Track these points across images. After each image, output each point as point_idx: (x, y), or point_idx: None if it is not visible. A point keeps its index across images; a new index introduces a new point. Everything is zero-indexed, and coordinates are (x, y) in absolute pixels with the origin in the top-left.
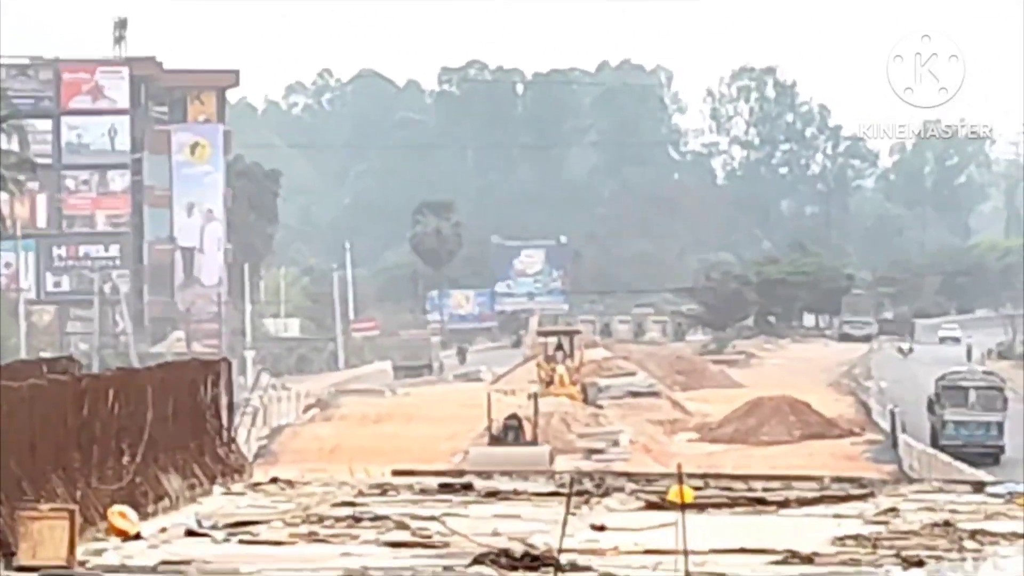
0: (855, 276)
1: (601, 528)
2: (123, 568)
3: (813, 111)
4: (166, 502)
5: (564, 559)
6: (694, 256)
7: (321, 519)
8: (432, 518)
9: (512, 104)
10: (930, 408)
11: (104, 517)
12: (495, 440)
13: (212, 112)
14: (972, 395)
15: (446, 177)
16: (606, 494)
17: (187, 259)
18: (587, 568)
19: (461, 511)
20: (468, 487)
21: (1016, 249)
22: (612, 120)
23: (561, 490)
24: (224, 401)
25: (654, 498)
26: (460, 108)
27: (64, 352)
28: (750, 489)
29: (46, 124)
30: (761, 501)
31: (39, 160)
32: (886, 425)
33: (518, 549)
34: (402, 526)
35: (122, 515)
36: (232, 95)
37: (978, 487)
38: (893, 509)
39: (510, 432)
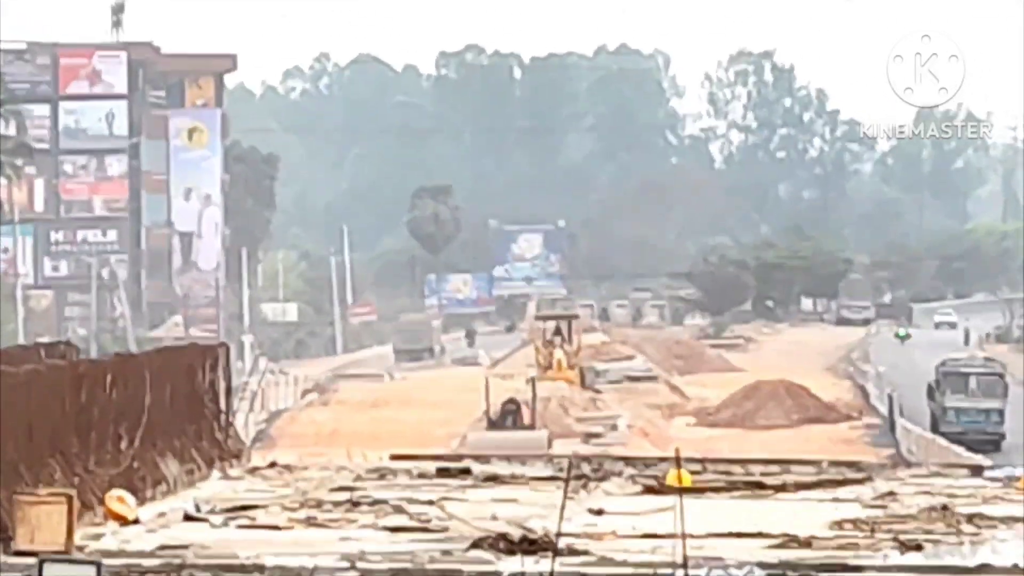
0: (853, 260)
1: (599, 512)
2: (121, 553)
3: (811, 95)
4: (164, 487)
5: (562, 543)
6: (692, 240)
7: (319, 504)
8: (430, 502)
9: (509, 89)
10: (930, 395)
11: (102, 502)
12: (493, 424)
13: (210, 97)
14: (972, 382)
15: (444, 162)
16: (604, 478)
17: (185, 244)
18: (585, 552)
19: (459, 495)
20: (466, 471)
21: (1013, 233)
22: (609, 104)
23: (559, 474)
24: (222, 386)
25: (652, 482)
26: (458, 93)
27: (62, 337)
28: (748, 473)
29: (44, 109)
30: (759, 485)
31: (37, 145)
32: (884, 409)
33: (516, 533)
34: (400, 510)
35: (120, 500)
36: (230, 80)
37: (976, 471)
38: (891, 493)
39: (508, 416)
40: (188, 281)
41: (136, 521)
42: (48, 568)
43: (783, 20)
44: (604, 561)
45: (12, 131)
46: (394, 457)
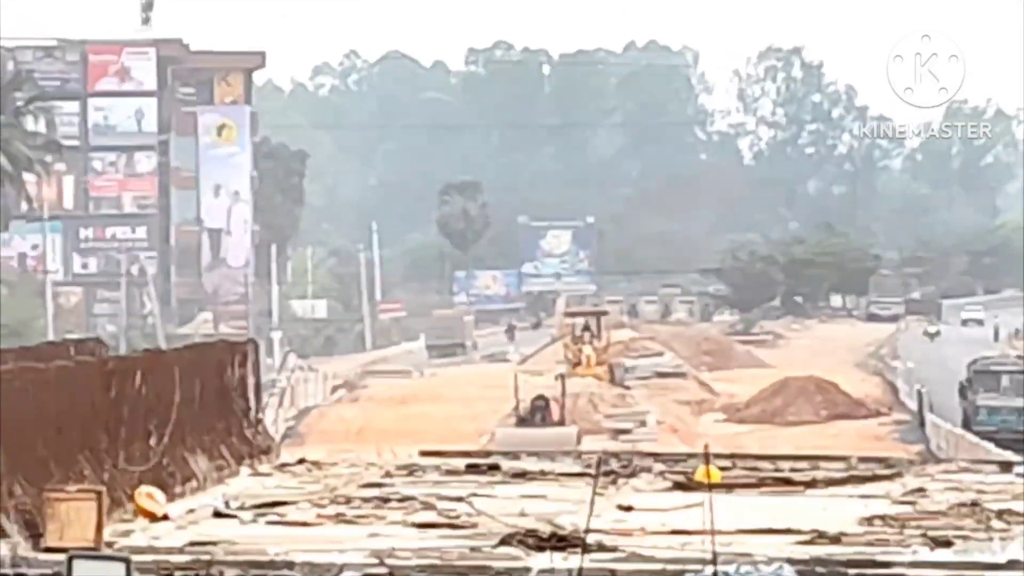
0: (882, 256)
1: (628, 508)
2: (150, 549)
3: (840, 91)
4: (193, 483)
5: (591, 539)
6: (721, 236)
7: (348, 500)
8: (459, 499)
9: (538, 85)
10: (962, 393)
11: (131, 498)
12: (522, 421)
13: (239, 93)
14: (1005, 380)
15: (472, 158)
16: (633, 474)
17: (214, 240)
18: (614, 548)
19: (488, 492)
20: (495, 468)
21: None
22: (638, 101)
23: (588, 471)
24: (251, 382)
25: (681, 478)
26: (486, 89)
27: (91, 334)
28: (777, 469)
29: (73, 106)
30: (788, 481)
31: (66, 142)
32: (913, 405)
33: (545, 530)
34: (429, 507)
35: (149, 496)
36: (259, 76)
37: (1006, 467)
38: (920, 489)
39: (537, 413)
40: (217, 278)
41: (165, 518)
42: (78, 564)
43: (812, 16)
44: (633, 557)
45: (42, 128)
46: (423, 453)
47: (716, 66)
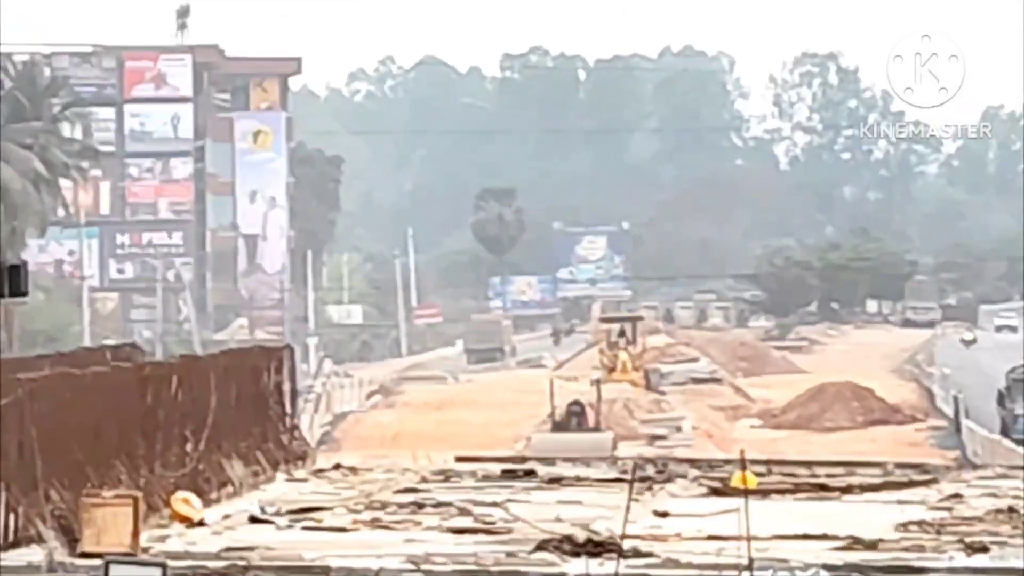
0: (918, 262)
1: (664, 514)
2: (187, 555)
3: (876, 97)
4: (229, 488)
5: (627, 545)
6: (756, 242)
7: (384, 505)
8: (495, 504)
9: (574, 90)
10: (1000, 402)
11: (167, 504)
12: (558, 426)
13: (274, 99)
14: None
15: (508, 163)
16: (669, 480)
17: (250, 246)
18: (650, 554)
19: (524, 497)
20: (531, 473)
21: None
22: (674, 106)
23: (624, 476)
24: (287, 388)
25: (717, 484)
26: (522, 94)
27: (127, 339)
28: (813, 475)
29: (109, 112)
30: (824, 487)
31: (102, 148)
32: (949, 411)
33: (581, 535)
34: (465, 512)
35: (185, 501)
36: (294, 82)
37: None
38: (957, 495)
39: (573, 418)
40: (253, 283)
41: (201, 523)
42: (114, 570)
43: (848, 21)
44: (669, 563)
45: (78, 134)
46: (459, 459)
47: (752, 71)
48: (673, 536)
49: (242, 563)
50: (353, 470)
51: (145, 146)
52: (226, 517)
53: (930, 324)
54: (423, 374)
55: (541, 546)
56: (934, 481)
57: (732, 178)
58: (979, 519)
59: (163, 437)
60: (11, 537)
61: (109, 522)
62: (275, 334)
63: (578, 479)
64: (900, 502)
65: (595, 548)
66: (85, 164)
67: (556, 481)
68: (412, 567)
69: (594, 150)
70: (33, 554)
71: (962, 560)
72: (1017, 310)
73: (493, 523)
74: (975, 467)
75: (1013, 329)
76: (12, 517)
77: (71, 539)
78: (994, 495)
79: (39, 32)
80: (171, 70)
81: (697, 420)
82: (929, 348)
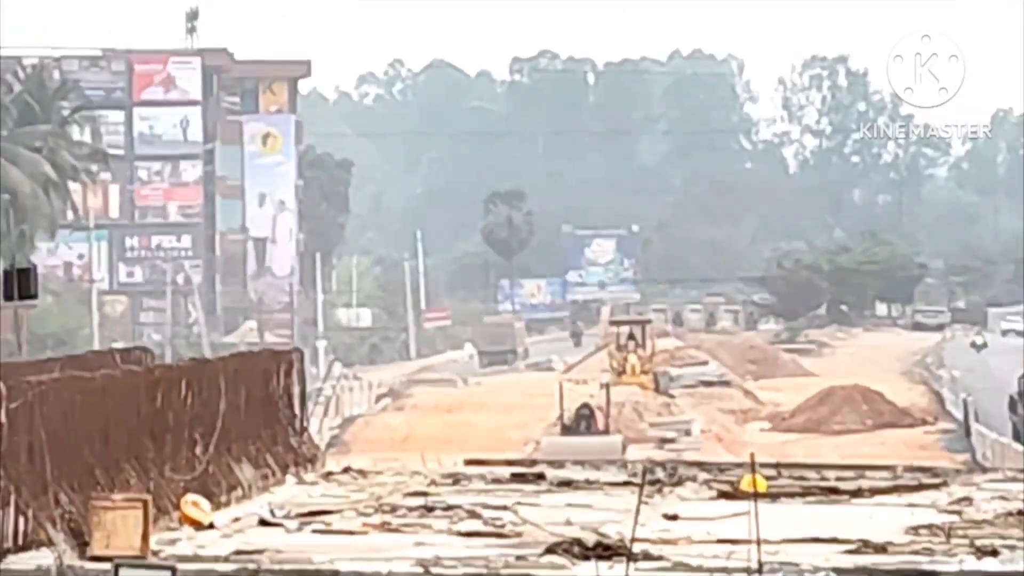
0: (927, 265)
1: (674, 517)
2: (196, 558)
3: (885, 100)
4: (239, 492)
5: (637, 548)
6: (766, 245)
7: (394, 508)
8: (504, 508)
9: (583, 93)
10: (1012, 407)
11: (177, 507)
12: (567, 429)
13: (284, 102)
14: None
15: (517, 166)
16: (678, 483)
17: (259, 249)
18: (660, 557)
19: (533, 500)
20: (540, 476)
21: None
22: (683, 109)
23: (633, 479)
24: (296, 391)
25: (726, 487)
26: (531, 98)
27: (137, 342)
28: (823, 478)
29: (118, 115)
30: (834, 490)
31: (111, 151)
32: (959, 414)
33: (590, 539)
34: (474, 516)
35: (195, 504)
36: (304, 85)
37: None
38: (967, 498)
39: (582, 421)
40: (262, 286)
41: (211, 526)
42: (124, 573)
43: (857, 24)
44: (679, 566)
45: (87, 137)
46: (468, 462)
47: (761, 75)
48: (683, 539)
49: (252, 566)
50: (362, 473)
51: (154, 149)
52: (235, 520)
53: (939, 327)
54: (432, 377)
55: (551, 549)
56: (944, 484)
57: (741, 181)
58: (989, 522)
59: (172, 440)
60: (21, 540)
61: (119, 525)
62: (284, 337)
63: (588, 482)
64: (910, 505)
65: (605, 551)
66: (94, 167)
67: (566, 484)
68: (421, 570)
69: (603, 153)
70: (43, 557)
71: (972, 564)
72: (1023, 313)
73: (502, 526)
74: (985, 470)
75: (1020, 333)
76: (22, 520)
77: (80, 542)
78: (1004, 498)
79: (49, 36)
80: (180, 73)
81: (706, 423)
82: (938, 351)
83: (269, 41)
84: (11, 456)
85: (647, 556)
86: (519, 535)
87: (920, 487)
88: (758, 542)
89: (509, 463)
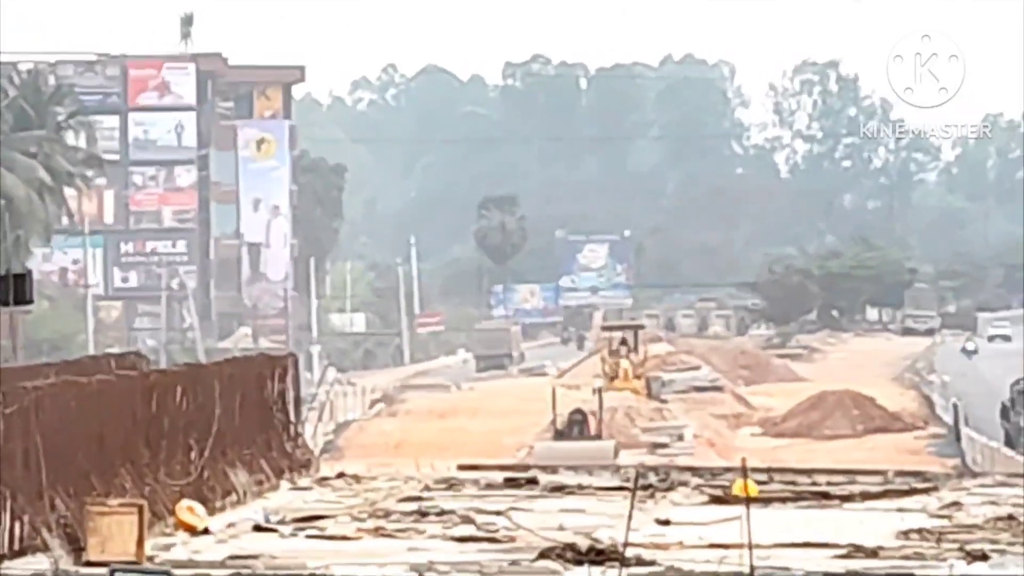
0: (918, 270)
1: (666, 522)
2: (191, 563)
3: (876, 105)
4: (233, 497)
5: (629, 553)
6: (757, 250)
7: (387, 514)
8: (498, 512)
9: (576, 98)
10: (1003, 414)
11: (172, 512)
12: (560, 435)
13: (278, 108)
14: None
15: (510, 171)
16: (671, 488)
17: (253, 254)
18: (652, 562)
19: (526, 505)
20: (533, 481)
21: None
22: (675, 114)
23: (626, 484)
24: (290, 396)
25: (718, 492)
26: (524, 103)
27: (132, 348)
28: (814, 483)
29: (113, 120)
30: (825, 495)
31: (106, 156)
32: (949, 419)
33: (583, 543)
34: (468, 520)
35: (190, 510)
36: (298, 91)
37: None
38: (957, 503)
39: (575, 427)
40: (257, 292)
41: (206, 531)
42: None
43: (848, 30)
44: (671, 571)
45: (82, 142)
46: (462, 467)
47: (752, 80)
48: (675, 544)
49: (246, 571)
50: (356, 478)
51: (149, 154)
52: (230, 525)
53: (930, 332)
54: (426, 382)
55: (544, 554)
56: (934, 489)
57: (733, 186)
58: (979, 527)
59: (168, 445)
60: (17, 545)
61: (114, 530)
62: (279, 342)
63: (580, 487)
64: (900, 510)
65: (597, 556)
66: (89, 172)
67: (559, 489)
68: (415, 575)
69: (596, 158)
70: (39, 562)
71: (962, 568)
72: (1010, 319)
73: (496, 531)
74: (975, 475)
75: (1006, 338)
76: (18, 525)
77: (76, 547)
78: (994, 503)
79: (44, 41)
80: (175, 78)
81: (699, 428)
82: (929, 356)
83: (263, 46)
84: (7, 461)
85: (640, 561)
86: (512, 540)
87: (911, 492)
88: (750, 547)
89: (502, 468)
